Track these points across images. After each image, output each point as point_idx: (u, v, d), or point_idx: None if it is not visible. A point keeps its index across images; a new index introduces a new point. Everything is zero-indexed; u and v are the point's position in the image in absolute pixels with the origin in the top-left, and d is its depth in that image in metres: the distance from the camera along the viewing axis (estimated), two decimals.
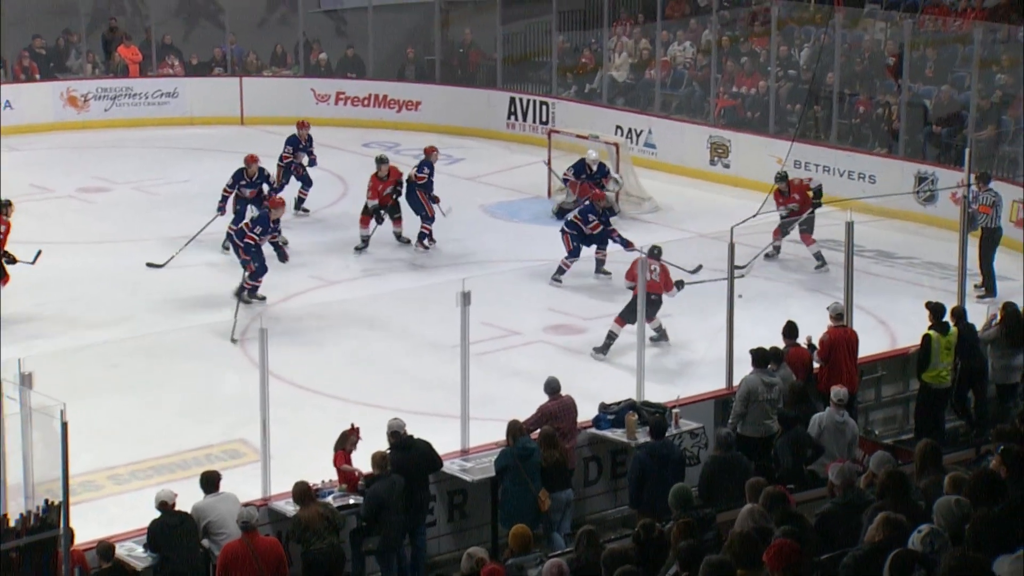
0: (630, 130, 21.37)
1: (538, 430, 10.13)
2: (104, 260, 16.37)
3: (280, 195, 16.77)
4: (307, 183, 18.32)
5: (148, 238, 17.20)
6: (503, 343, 13.83)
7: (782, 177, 16.39)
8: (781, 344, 11.28)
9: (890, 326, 14.07)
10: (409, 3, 25.04)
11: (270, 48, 24.54)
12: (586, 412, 10.78)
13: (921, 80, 19.28)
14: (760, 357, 10.82)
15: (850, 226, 11.90)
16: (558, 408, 10.40)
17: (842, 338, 11.42)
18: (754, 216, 17.00)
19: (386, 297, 15.06)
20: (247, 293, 14.60)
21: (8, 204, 14.31)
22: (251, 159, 16.90)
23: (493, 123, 23.09)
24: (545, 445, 9.92)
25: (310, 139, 18.39)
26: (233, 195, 16.64)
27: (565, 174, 18.29)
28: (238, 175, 16.80)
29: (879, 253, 16.73)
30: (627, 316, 13.13)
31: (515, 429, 9.92)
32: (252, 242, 14.58)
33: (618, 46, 22.54)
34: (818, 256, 15.92)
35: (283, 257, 15.11)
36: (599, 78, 22.39)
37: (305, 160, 18.24)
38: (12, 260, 14.17)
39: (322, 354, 13.53)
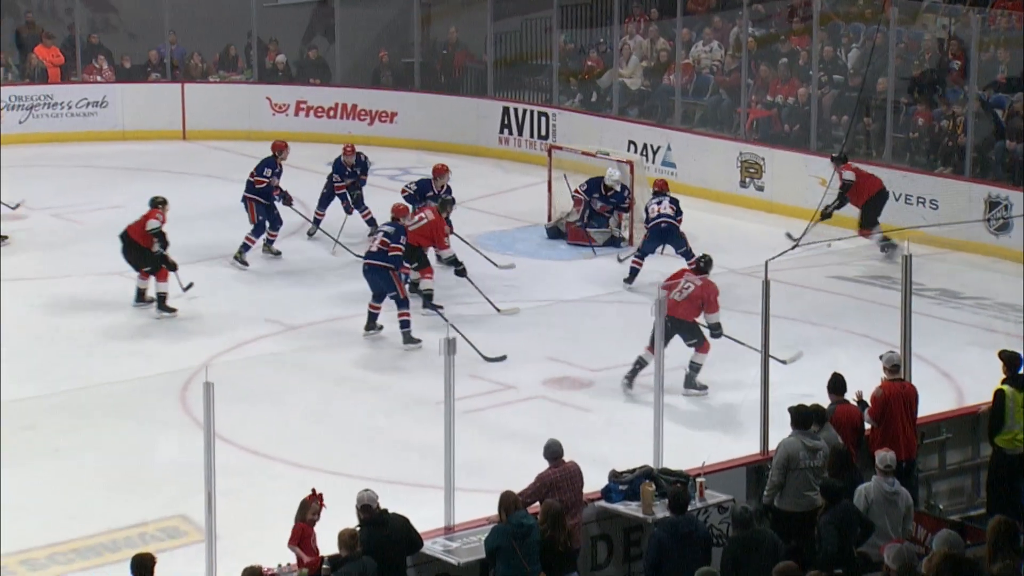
0: (645, 146, 21.48)
1: (537, 503, 10.13)
2: (18, 301, 16.39)
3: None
4: (359, 208, 18.74)
5: (72, 274, 17.24)
6: (495, 399, 13.84)
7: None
8: (826, 401, 11.31)
9: (956, 380, 14.09)
10: None
11: (217, 49, 24.66)
12: (593, 481, 10.78)
13: (992, 87, 19.41)
14: (801, 417, 10.83)
15: (908, 260, 11.92)
16: (560, 477, 10.40)
17: (899, 394, 11.43)
18: (793, 247, 17.09)
19: (356, 344, 15.06)
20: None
21: (164, 202, 16.53)
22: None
23: (483, 138, 23.20)
24: (551, 524, 9.91)
25: (361, 163, 18.81)
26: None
27: (576, 190, 18.51)
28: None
29: (942, 292, 16.79)
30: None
31: (509, 502, 9.91)
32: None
33: (630, 47, 22.69)
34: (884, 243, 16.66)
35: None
36: (608, 84, 22.53)
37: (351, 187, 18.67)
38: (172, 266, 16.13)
39: (279, 412, 13.53)
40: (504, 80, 23.65)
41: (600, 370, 14.50)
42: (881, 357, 11.78)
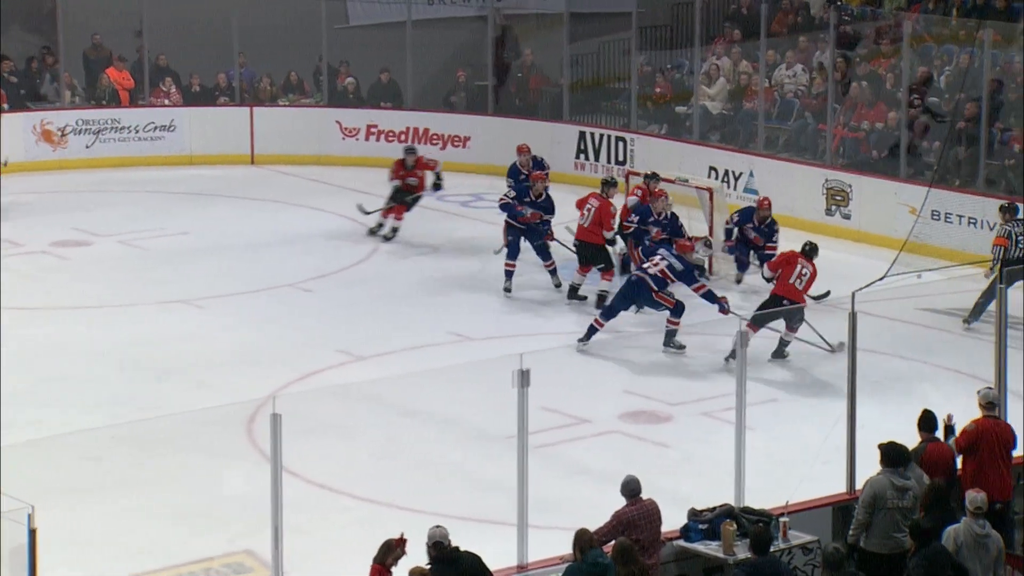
0: (727, 172, 21.45)
1: (612, 542, 10.11)
2: (83, 329, 16.60)
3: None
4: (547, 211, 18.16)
5: (138, 302, 17.42)
6: (569, 433, 13.84)
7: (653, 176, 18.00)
8: (914, 439, 11.22)
9: None
10: (457, 17, 25.32)
11: (287, 71, 24.88)
12: (672, 520, 10.74)
13: None
14: (891, 454, 10.74)
15: (1002, 292, 11.83)
16: (637, 515, 10.38)
17: (993, 431, 11.30)
18: (881, 279, 16.99)
19: (426, 376, 15.12)
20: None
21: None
22: (523, 149, 18.98)
23: (559, 163, 23.22)
24: (621, 561, 9.89)
25: (538, 163, 18.98)
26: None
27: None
28: (513, 172, 18.77)
29: None
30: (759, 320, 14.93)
31: (584, 540, 9.90)
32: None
33: (718, 68, 22.66)
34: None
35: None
36: (689, 108, 22.52)
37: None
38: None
39: (347, 446, 13.59)
40: (580, 104, 23.71)
41: (679, 404, 14.46)
42: (978, 392, 11.66)
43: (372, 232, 19.76)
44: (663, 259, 15.71)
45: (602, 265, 17.28)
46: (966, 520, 10.14)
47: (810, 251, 15.82)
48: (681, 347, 15.77)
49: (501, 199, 17.85)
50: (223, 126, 24.20)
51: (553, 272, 17.81)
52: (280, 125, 24.28)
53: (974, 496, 10.21)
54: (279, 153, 24.05)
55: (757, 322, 15.18)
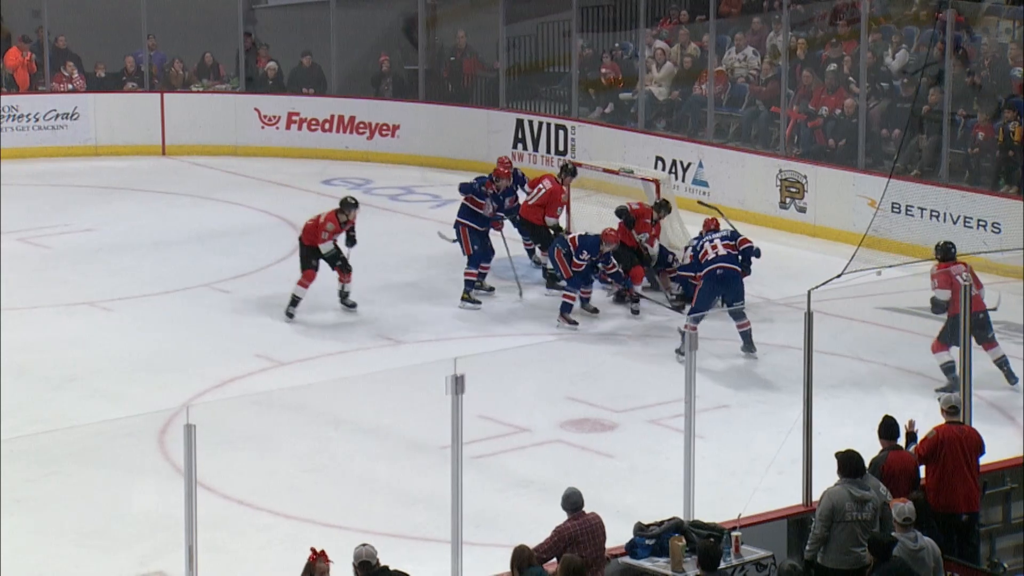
0: (674, 162, 21.52)
1: (554, 559, 10.12)
2: None
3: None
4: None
5: (39, 305, 17.28)
6: (507, 443, 13.84)
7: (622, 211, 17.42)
8: (876, 447, 11.29)
9: (1022, 423, 14.06)
10: None
11: (200, 54, 24.75)
12: (617, 535, 10.77)
13: None
14: (849, 464, 10.80)
15: (967, 290, 11.93)
16: (580, 530, 10.39)
17: (957, 439, 11.39)
18: (838, 276, 17.06)
19: (353, 383, 15.08)
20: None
21: (355, 205, 17.05)
22: (503, 162, 18.29)
23: (495, 153, 23.16)
24: None
25: (517, 179, 18.32)
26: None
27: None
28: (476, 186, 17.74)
29: (1006, 326, 16.75)
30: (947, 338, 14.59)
31: (523, 558, 9.91)
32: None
33: (663, 52, 22.73)
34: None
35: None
36: (634, 94, 22.58)
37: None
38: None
39: (268, 459, 13.53)
40: (518, 89, 23.72)
41: (624, 411, 14.49)
42: (938, 398, 11.76)
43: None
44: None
45: (540, 244, 18.06)
46: (896, 534, 10.21)
47: (949, 253, 15.04)
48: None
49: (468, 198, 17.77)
50: (131, 114, 24.05)
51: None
52: (193, 113, 24.16)
53: (901, 507, 10.29)
54: (192, 143, 23.93)
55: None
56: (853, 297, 16.18)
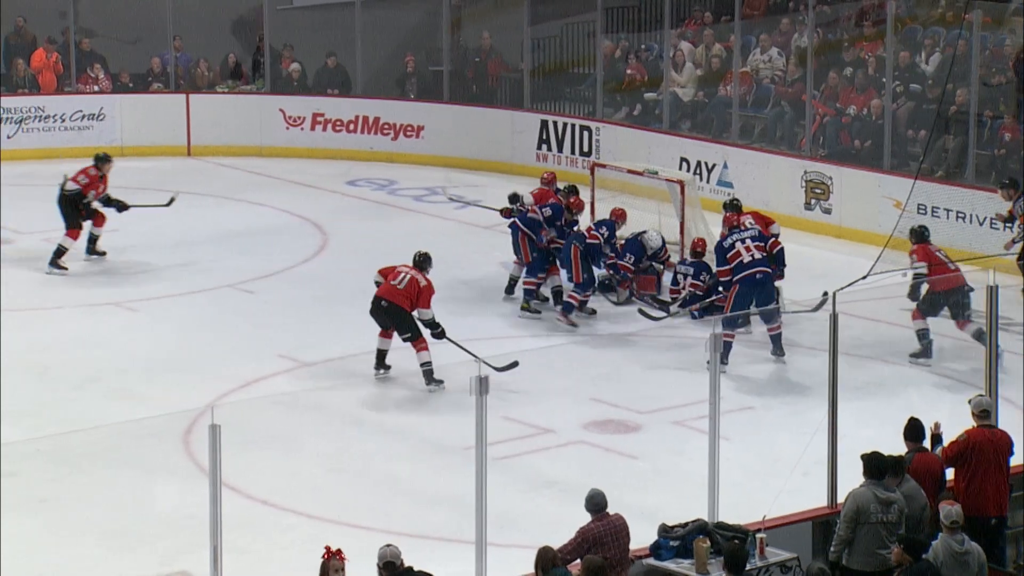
0: (699, 163, 21.48)
1: (578, 560, 10.10)
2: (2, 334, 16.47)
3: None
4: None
5: (64, 305, 17.31)
6: (531, 444, 13.82)
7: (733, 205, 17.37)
8: (901, 448, 11.24)
9: None
10: None
11: (225, 56, 24.79)
12: (641, 536, 10.75)
13: None
14: (874, 466, 10.76)
15: (993, 291, 11.85)
16: (604, 531, 10.38)
17: (988, 442, 11.33)
18: (864, 278, 17.02)
19: (377, 383, 15.08)
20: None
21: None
22: (550, 178, 18.33)
23: (519, 154, 23.26)
24: None
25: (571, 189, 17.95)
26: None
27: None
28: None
29: None
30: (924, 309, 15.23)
31: (547, 559, 9.89)
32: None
33: (683, 53, 22.69)
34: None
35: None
36: (659, 95, 22.54)
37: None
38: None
39: (292, 459, 13.52)
40: (542, 90, 23.70)
41: (648, 412, 14.46)
42: (969, 401, 11.69)
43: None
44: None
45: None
46: (943, 536, 10.17)
47: (921, 235, 16.07)
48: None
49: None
50: (157, 114, 24.11)
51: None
52: (218, 113, 24.21)
53: (949, 509, 10.24)
54: (217, 144, 23.97)
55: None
56: (879, 299, 16.14)
